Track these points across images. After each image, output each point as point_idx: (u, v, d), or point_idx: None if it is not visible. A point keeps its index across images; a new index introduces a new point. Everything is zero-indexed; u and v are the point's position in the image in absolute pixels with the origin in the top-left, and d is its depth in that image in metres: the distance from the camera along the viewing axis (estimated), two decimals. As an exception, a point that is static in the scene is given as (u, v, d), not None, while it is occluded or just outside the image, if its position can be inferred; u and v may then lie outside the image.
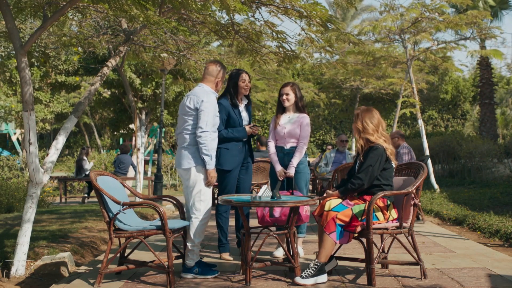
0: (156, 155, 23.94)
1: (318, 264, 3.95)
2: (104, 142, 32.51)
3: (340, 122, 31.68)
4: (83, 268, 4.88)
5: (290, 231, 4.16)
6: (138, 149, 11.16)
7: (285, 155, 4.98)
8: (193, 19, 6.60)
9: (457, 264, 4.58)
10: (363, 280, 4.06)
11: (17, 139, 24.34)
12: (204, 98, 4.29)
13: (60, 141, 4.95)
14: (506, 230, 6.09)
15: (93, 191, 12.41)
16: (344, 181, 4.29)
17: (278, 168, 4.93)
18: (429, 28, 11.62)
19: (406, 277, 4.14)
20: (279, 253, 5.03)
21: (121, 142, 28.71)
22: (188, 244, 4.27)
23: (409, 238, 4.13)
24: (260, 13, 6.02)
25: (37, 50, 9.11)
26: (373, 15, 35.71)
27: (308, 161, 16.07)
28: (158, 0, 5.04)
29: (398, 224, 4.13)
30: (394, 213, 4.15)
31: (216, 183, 4.89)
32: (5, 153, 19.92)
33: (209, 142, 4.26)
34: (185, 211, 4.49)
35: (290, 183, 4.92)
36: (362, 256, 4.19)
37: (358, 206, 4.01)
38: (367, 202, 4.00)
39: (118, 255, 4.36)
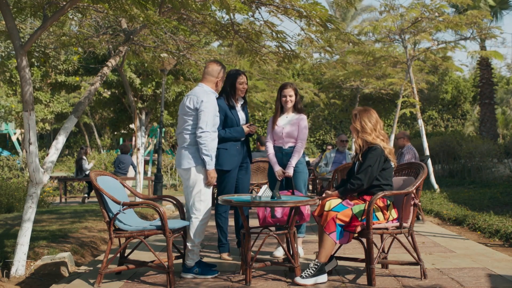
0: (156, 155, 23.94)
1: (318, 264, 3.95)
2: (104, 142, 32.51)
3: (340, 122, 31.68)
4: (83, 268, 4.88)
5: (290, 231, 4.16)
6: (138, 149, 11.16)
7: (284, 155, 4.99)
8: (193, 19, 6.60)
9: (457, 264, 4.58)
10: (363, 280, 4.06)
11: (17, 139, 24.34)
12: (204, 98, 4.29)
13: (60, 141, 4.95)
14: (506, 230, 6.09)
15: (93, 191, 12.42)
16: (343, 181, 4.29)
17: (277, 168, 4.94)
18: (429, 28, 11.62)
19: (406, 277, 4.14)
20: (279, 253, 5.03)
21: (121, 142, 28.71)
22: (188, 244, 4.27)
23: (409, 238, 4.13)
24: (260, 13, 6.02)
25: (37, 50, 9.10)
26: (373, 15, 35.72)
27: (308, 161, 16.05)
28: (158, 0, 5.04)
29: (398, 224, 4.13)
30: (394, 213, 4.15)
31: (215, 183, 4.89)
32: (5, 153, 19.92)
33: (209, 142, 4.26)
34: (185, 211, 4.49)
35: (289, 183, 4.92)
36: (362, 256, 4.19)
37: (358, 206, 4.01)
38: (367, 202, 4.00)
39: (118, 255, 4.35)
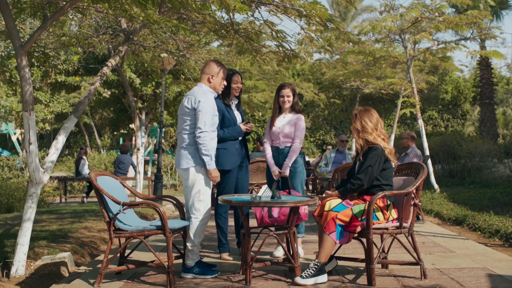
0: (156, 155, 23.94)
1: (318, 264, 3.95)
2: (104, 142, 32.51)
3: (340, 122, 31.69)
4: (83, 268, 4.88)
5: (290, 231, 4.16)
6: (138, 149, 11.16)
7: (280, 155, 5.00)
8: (193, 19, 6.60)
9: (457, 264, 4.58)
10: (363, 280, 4.05)
11: (17, 139, 24.34)
12: (201, 98, 4.29)
13: (60, 140, 4.95)
14: (506, 230, 6.09)
15: (93, 191, 12.43)
16: (344, 181, 4.29)
17: (273, 168, 4.96)
18: (429, 28, 11.62)
19: (406, 277, 4.13)
20: (279, 253, 5.03)
21: (121, 142, 28.71)
22: (188, 244, 4.27)
23: (409, 238, 4.13)
24: (259, 12, 6.03)
25: (37, 50, 9.10)
26: (373, 15, 35.73)
27: (308, 161, 16.02)
28: (157, 0, 5.04)
29: (398, 224, 4.13)
30: (394, 213, 4.15)
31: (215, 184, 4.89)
32: (5, 153, 19.92)
33: (208, 142, 4.25)
34: (185, 211, 4.49)
35: (285, 183, 4.93)
36: (362, 256, 4.19)
37: (358, 206, 4.01)
38: (367, 202, 4.00)
39: (118, 255, 4.35)
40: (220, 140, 4.85)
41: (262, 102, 18.87)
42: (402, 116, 17.09)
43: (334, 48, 7.15)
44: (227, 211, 5.08)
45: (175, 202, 4.59)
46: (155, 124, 17.72)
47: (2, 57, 12.29)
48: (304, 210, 4.55)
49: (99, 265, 4.44)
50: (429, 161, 11.35)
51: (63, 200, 12.11)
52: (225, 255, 4.99)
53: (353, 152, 5.19)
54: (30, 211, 4.70)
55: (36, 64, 14.96)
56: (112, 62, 5.65)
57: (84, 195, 12.01)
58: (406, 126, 31.07)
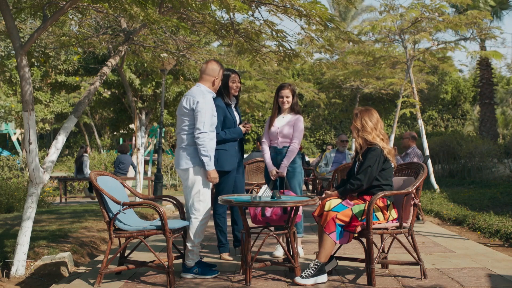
0: (156, 155, 23.93)
1: (318, 264, 3.95)
2: (104, 142, 32.51)
3: (340, 122, 31.69)
4: (83, 268, 4.88)
5: (290, 231, 4.16)
6: (138, 149, 11.16)
7: (278, 155, 5.00)
8: (193, 19, 6.60)
9: (457, 264, 4.58)
10: (363, 280, 4.05)
11: (17, 139, 24.33)
12: (200, 98, 4.28)
13: (60, 140, 4.95)
14: (506, 230, 6.08)
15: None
16: (343, 181, 4.29)
17: (271, 168, 4.96)
18: (429, 28, 11.62)
19: (406, 277, 4.13)
20: (279, 253, 5.03)
21: (121, 142, 28.70)
22: (188, 245, 4.27)
23: (409, 238, 4.13)
24: (259, 12, 6.03)
25: (37, 50, 9.10)
26: (373, 15, 35.74)
27: (308, 161, 15.98)
28: (157, -1, 5.05)
29: (398, 224, 4.13)
30: (394, 213, 4.15)
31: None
32: (5, 153, 19.91)
33: (208, 142, 4.25)
34: (185, 211, 4.48)
35: (283, 182, 4.93)
36: (362, 256, 4.19)
37: (358, 206, 4.01)
38: (367, 202, 4.00)
39: (118, 255, 4.35)
40: (221, 141, 4.86)
41: (262, 102, 18.87)
42: (402, 116, 17.08)
43: (335, 48, 7.14)
44: (226, 211, 5.09)
45: (175, 202, 4.58)
46: (155, 124, 17.71)
47: (2, 57, 12.29)
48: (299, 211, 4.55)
49: (99, 265, 4.44)
50: (429, 161, 11.35)
51: (63, 200, 12.11)
52: (225, 255, 4.99)
53: (353, 152, 5.19)
54: (30, 211, 4.70)
55: (36, 64, 14.96)
56: (112, 62, 5.64)
57: (89, 193, 12.00)
58: (406, 126, 31.07)
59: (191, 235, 4.25)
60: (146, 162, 20.29)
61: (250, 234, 4.11)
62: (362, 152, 4.20)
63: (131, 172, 14.73)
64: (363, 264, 4.38)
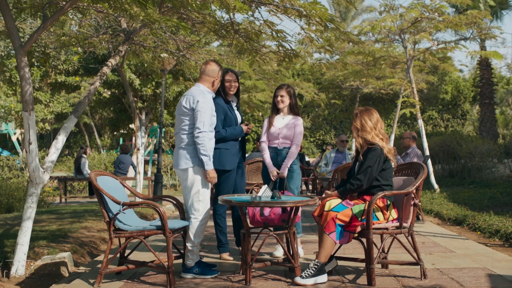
0: (156, 155, 23.92)
1: (318, 264, 3.95)
2: (104, 142, 32.51)
3: (340, 122, 31.69)
4: (83, 268, 4.88)
5: (290, 231, 4.16)
6: (138, 149, 11.15)
7: (279, 156, 5.00)
8: (193, 19, 6.60)
9: (457, 264, 4.58)
10: (363, 280, 4.05)
11: (17, 139, 24.32)
12: (200, 98, 4.28)
13: (60, 140, 4.95)
14: (506, 230, 6.09)
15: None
16: (343, 181, 4.29)
17: (272, 168, 4.95)
18: (429, 28, 11.62)
19: (406, 277, 4.13)
20: (279, 253, 5.03)
21: (121, 142, 28.71)
22: (188, 245, 4.27)
23: (409, 238, 4.13)
24: (259, 12, 6.03)
25: (37, 50, 9.10)
26: (373, 16, 35.75)
27: (308, 161, 15.98)
28: (157, -1, 5.05)
29: (398, 224, 4.13)
30: (394, 213, 4.15)
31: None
32: (5, 153, 19.91)
33: (207, 142, 4.25)
34: (185, 211, 4.48)
35: (282, 183, 4.94)
36: (362, 256, 4.19)
37: (358, 206, 4.01)
38: (367, 202, 4.00)
39: (118, 255, 4.35)
40: (222, 140, 4.86)
41: (262, 102, 18.88)
42: (402, 116, 17.10)
43: (335, 48, 7.14)
44: (226, 210, 5.08)
45: (175, 202, 4.58)
46: (155, 124, 17.71)
47: (2, 57, 12.29)
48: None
49: (99, 265, 4.44)
50: (429, 161, 11.35)
51: (63, 200, 12.11)
52: (225, 255, 4.99)
53: (353, 152, 5.19)
54: (30, 211, 4.70)
55: (36, 64, 14.95)
56: (112, 62, 5.65)
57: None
58: (406, 126, 31.07)
59: (191, 235, 4.25)
60: (146, 162, 20.29)
61: (250, 234, 4.11)
62: (362, 152, 4.20)
63: (131, 172, 14.72)
64: (363, 264, 4.38)
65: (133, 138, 22.52)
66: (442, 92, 31.03)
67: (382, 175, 4.14)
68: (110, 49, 10.13)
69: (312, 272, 3.92)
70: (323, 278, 3.95)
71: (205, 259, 4.82)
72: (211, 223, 5.11)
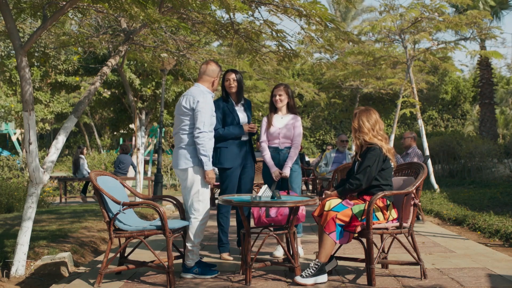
0: (156, 155, 23.92)
1: (318, 264, 3.95)
2: (104, 142, 32.51)
3: (340, 122, 31.68)
4: (83, 268, 4.88)
5: (290, 231, 4.16)
6: (138, 149, 11.15)
7: (280, 156, 5.00)
8: (193, 19, 6.60)
9: (457, 264, 4.58)
10: (363, 280, 4.05)
11: (17, 139, 24.32)
12: (200, 98, 4.29)
13: (60, 140, 4.95)
14: (506, 230, 6.08)
15: (88, 189, 12.45)
16: (343, 181, 4.29)
17: (274, 168, 4.95)
18: (429, 28, 11.62)
19: (406, 277, 4.13)
20: (279, 253, 5.03)
21: (121, 142, 28.70)
22: (188, 245, 4.27)
23: (409, 238, 4.13)
24: (259, 12, 6.02)
25: (37, 50, 9.10)
26: (373, 16, 35.74)
27: (308, 161, 15.96)
28: (157, -1, 5.05)
29: (398, 224, 4.13)
30: (394, 213, 4.15)
31: (218, 183, 4.88)
32: (5, 153, 19.91)
33: (207, 142, 4.25)
34: (184, 211, 4.48)
35: (285, 183, 4.93)
36: (362, 256, 4.19)
37: (358, 206, 4.01)
38: (367, 202, 4.00)
39: (118, 255, 4.35)
40: (222, 139, 4.86)
41: (262, 102, 18.87)
42: (402, 116, 17.07)
43: (335, 48, 7.13)
44: (229, 210, 5.08)
45: (175, 202, 4.58)
46: (155, 124, 17.71)
47: (2, 57, 12.29)
48: (301, 211, 4.55)
49: (99, 265, 4.44)
50: (429, 161, 11.35)
51: (63, 200, 12.11)
52: (225, 255, 4.99)
53: (353, 152, 5.20)
54: (30, 211, 4.70)
55: (36, 64, 14.95)
56: (112, 62, 5.65)
57: (82, 194, 12.04)
58: (406, 126, 31.07)
59: (191, 235, 4.25)
60: (146, 162, 20.29)
61: (250, 234, 4.11)
62: (361, 152, 4.20)
63: (131, 172, 14.73)
64: (363, 264, 4.38)
65: (133, 138, 22.52)
66: (442, 92, 31.03)
67: (381, 175, 4.14)
68: (110, 49, 10.12)
69: (312, 272, 3.92)
70: (323, 278, 3.96)
71: (205, 259, 4.82)
72: (211, 223, 5.11)
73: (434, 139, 16.18)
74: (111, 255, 4.42)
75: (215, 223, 5.07)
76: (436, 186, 11.54)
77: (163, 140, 17.59)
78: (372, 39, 13.41)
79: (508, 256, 4.98)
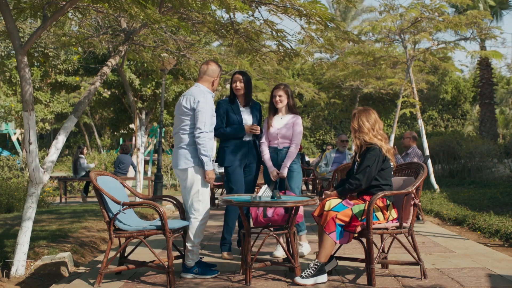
0: (156, 155, 23.92)
1: (318, 264, 3.95)
2: (104, 142, 32.51)
3: (340, 122, 31.69)
4: (83, 268, 4.88)
5: (290, 231, 4.16)
6: (138, 149, 11.15)
7: (279, 156, 5.00)
8: (193, 19, 6.60)
9: (457, 264, 4.58)
10: (363, 280, 4.05)
11: (17, 139, 24.32)
12: (201, 98, 4.29)
13: (60, 140, 4.95)
14: (506, 230, 6.08)
15: (90, 189, 12.45)
16: (342, 181, 4.29)
17: (271, 169, 4.95)
18: (429, 28, 11.61)
19: (406, 277, 4.13)
20: (279, 253, 5.03)
21: (121, 142, 28.70)
22: (188, 245, 4.27)
23: (409, 238, 4.13)
24: (259, 12, 6.02)
25: (37, 50, 9.10)
26: (373, 16, 35.74)
27: (308, 161, 15.92)
28: (157, -1, 5.05)
29: (398, 224, 4.13)
30: (394, 213, 4.15)
31: (218, 183, 4.88)
32: (5, 153, 19.91)
33: (207, 142, 4.26)
34: (184, 211, 4.48)
35: (283, 183, 4.94)
36: (362, 256, 4.19)
37: (358, 206, 4.01)
38: (367, 202, 4.00)
39: (118, 255, 4.35)
40: (224, 139, 4.88)
41: (262, 102, 18.87)
42: (402, 116, 17.11)
43: (335, 47, 7.13)
44: (237, 209, 5.07)
45: (175, 202, 4.58)
46: (155, 124, 17.72)
47: (2, 57, 12.28)
48: (299, 210, 4.54)
49: (99, 265, 4.44)
50: (429, 161, 11.35)
51: (63, 200, 12.11)
52: (226, 254, 4.99)
53: (353, 152, 5.21)
54: (30, 211, 4.70)
55: (36, 64, 14.95)
56: (112, 62, 5.65)
57: (84, 194, 12.04)
58: (406, 126, 31.07)
59: (191, 235, 4.25)
60: (146, 162, 20.29)
61: (250, 234, 4.11)
62: (361, 152, 4.20)
63: (131, 172, 14.72)
64: (363, 264, 4.38)
65: (133, 138, 22.52)
66: (442, 92, 31.04)
67: (381, 175, 4.14)
68: (110, 49, 10.12)
69: (312, 272, 3.92)
70: (323, 278, 3.96)
71: (205, 259, 4.82)
72: (211, 222, 5.11)
73: (434, 139, 16.18)
74: (111, 255, 4.43)
75: (215, 223, 5.07)
76: (436, 186, 11.54)
77: (163, 140, 17.59)
78: (372, 39, 13.41)
79: (508, 256, 4.98)
